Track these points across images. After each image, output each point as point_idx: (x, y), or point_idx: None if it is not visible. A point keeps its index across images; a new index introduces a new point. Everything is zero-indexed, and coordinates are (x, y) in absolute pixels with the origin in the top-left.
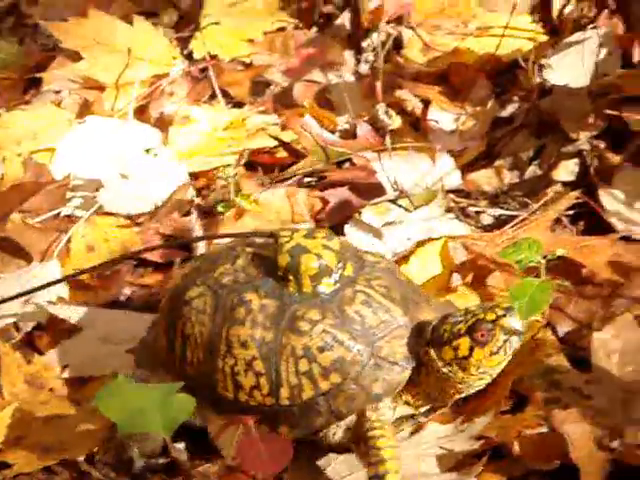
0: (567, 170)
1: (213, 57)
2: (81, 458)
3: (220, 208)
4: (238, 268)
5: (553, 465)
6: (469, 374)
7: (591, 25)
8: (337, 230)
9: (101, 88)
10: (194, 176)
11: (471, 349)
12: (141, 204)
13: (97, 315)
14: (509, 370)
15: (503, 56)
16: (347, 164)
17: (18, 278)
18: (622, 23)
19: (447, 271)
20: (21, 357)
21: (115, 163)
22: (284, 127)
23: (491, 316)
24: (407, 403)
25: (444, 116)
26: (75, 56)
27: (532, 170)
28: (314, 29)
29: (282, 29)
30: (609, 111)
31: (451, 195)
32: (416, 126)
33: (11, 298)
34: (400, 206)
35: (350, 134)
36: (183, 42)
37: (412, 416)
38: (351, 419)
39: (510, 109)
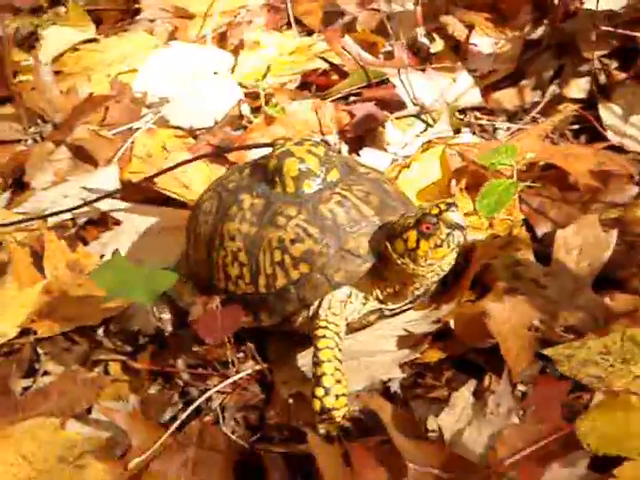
0: (579, 88)
1: None
2: (100, 331)
3: (248, 114)
4: (244, 176)
5: (487, 343)
6: (419, 265)
7: None
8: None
9: (190, 17)
10: (252, 95)
11: (418, 241)
12: (201, 119)
13: (136, 211)
14: (475, 262)
15: None
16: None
17: (81, 181)
18: None
19: (446, 177)
20: (66, 245)
21: (186, 83)
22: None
23: (435, 210)
24: (378, 299)
25: (484, 40)
26: None
27: (552, 89)
28: None
29: None
30: (621, 30)
31: (475, 112)
32: (457, 50)
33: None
34: (423, 121)
35: (392, 56)
36: None
37: (380, 310)
38: (314, 308)
39: (539, 32)
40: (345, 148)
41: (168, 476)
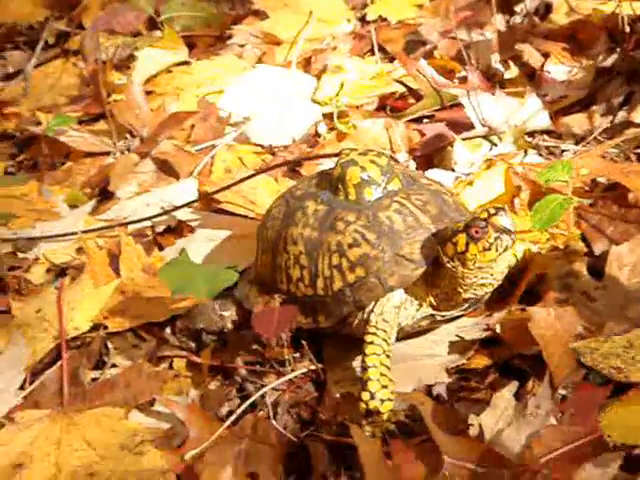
0: None
1: (383, 20)
2: (167, 329)
3: (324, 132)
4: (311, 184)
5: (532, 350)
6: (468, 269)
7: None
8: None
9: (278, 43)
10: (330, 116)
11: (467, 244)
12: (280, 137)
13: (210, 219)
14: (529, 272)
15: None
16: None
17: (162, 192)
18: None
19: (508, 194)
20: (142, 249)
21: (269, 103)
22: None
23: (484, 214)
24: (431, 305)
25: (558, 68)
26: (263, 16)
27: (622, 115)
28: None
29: None
30: None
31: (544, 135)
32: (531, 77)
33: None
34: (491, 142)
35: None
36: (361, 7)
37: (433, 316)
38: (367, 312)
39: (611, 60)
40: (413, 166)
41: (221, 466)
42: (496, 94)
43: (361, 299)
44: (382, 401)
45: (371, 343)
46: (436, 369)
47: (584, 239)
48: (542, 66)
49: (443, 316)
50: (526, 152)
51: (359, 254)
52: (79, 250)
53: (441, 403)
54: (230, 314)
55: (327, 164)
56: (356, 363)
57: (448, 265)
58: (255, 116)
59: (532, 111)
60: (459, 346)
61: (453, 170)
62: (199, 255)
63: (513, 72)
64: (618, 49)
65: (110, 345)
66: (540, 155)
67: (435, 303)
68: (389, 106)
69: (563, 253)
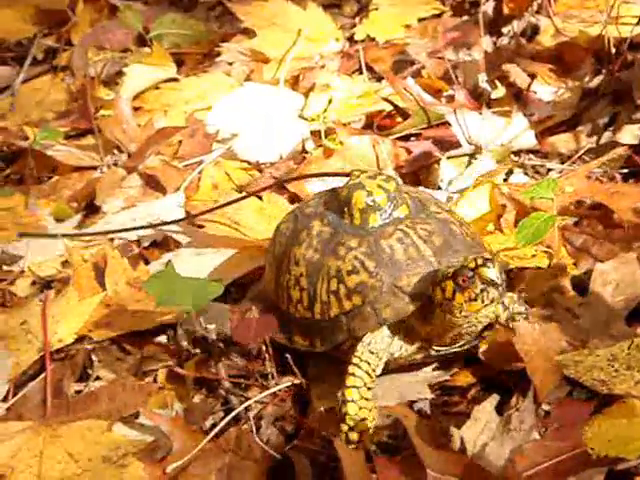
0: (632, 134)
1: (371, 39)
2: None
3: (311, 149)
4: (321, 202)
5: (515, 367)
6: (454, 316)
7: None
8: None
9: (266, 61)
10: (318, 133)
11: (454, 292)
12: (268, 154)
13: (196, 235)
14: (513, 289)
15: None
16: None
17: (149, 206)
18: None
19: (494, 213)
20: (128, 263)
21: (256, 120)
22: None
23: (472, 264)
24: (425, 340)
25: (545, 89)
26: (251, 34)
27: (607, 136)
28: (465, 17)
29: (437, 16)
30: None
31: (530, 155)
32: (518, 98)
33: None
34: (476, 161)
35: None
36: (350, 26)
37: (427, 350)
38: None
39: (597, 81)
40: (400, 182)
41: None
42: (483, 113)
43: (355, 328)
44: (361, 433)
45: (352, 375)
46: (419, 385)
47: (568, 257)
48: (529, 86)
49: (438, 351)
50: (512, 171)
51: (357, 282)
52: (64, 264)
53: (424, 418)
54: (212, 326)
55: (315, 184)
56: (340, 379)
57: (437, 309)
58: (242, 133)
59: (518, 130)
60: (443, 363)
61: (439, 188)
62: (185, 269)
63: (500, 92)
64: (604, 70)
65: (94, 358)
66: (526, 174)
67: (429, 338)
68: (376, 124)
69: (547, 270)
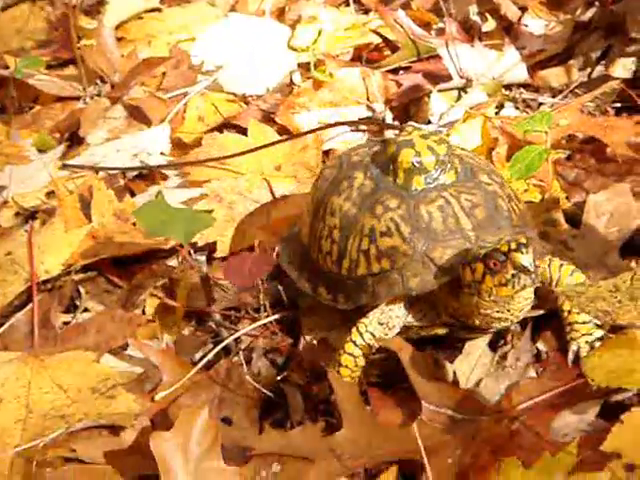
0: (625, 68)
1: None
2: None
3: (299, 82)
4: (370, 152)
5: None
6: (483, 299)
7: None
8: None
9: None
10: (305, 66)
11: (484, 275)
12: (254, 86)
13: (182, 167)
14: None
15: None
16: None
17: (134, 138)
18: None
19: (485, 146)
20: (114, 195)
21: (242, 52)
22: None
23: (504, 247)
24: (451, 315)
25: (536, 22)
26: None
27: (599, 69)
28: None
29: None
30: None
31: (521, 89)
32: (508, 31)
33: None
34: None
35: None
36: None
37: (451, 326)
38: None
39: (589, 14)
40: (390, 116)
41: (195, 410)
42: (474, 46)
43: (379, 292)
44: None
45: (353, 342)
46: None
47: (561, 191)
48: (519, 19)
49: (460, 329)
50: (503, 105)
51: (389, 245)
52: (49, 194)
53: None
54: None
55: (304, 115)
56: (331, 312)
57: (465, 289)
58: (228, 64)
59: (510, 64)
60: None
61: (429, 122)
62: (172, 202)
63: (490, 25)
64: (596, 3)
65: (82, 289)
66: (517, 108)
67: (455, 315)
68: (365, 57)
69: (541, 203)
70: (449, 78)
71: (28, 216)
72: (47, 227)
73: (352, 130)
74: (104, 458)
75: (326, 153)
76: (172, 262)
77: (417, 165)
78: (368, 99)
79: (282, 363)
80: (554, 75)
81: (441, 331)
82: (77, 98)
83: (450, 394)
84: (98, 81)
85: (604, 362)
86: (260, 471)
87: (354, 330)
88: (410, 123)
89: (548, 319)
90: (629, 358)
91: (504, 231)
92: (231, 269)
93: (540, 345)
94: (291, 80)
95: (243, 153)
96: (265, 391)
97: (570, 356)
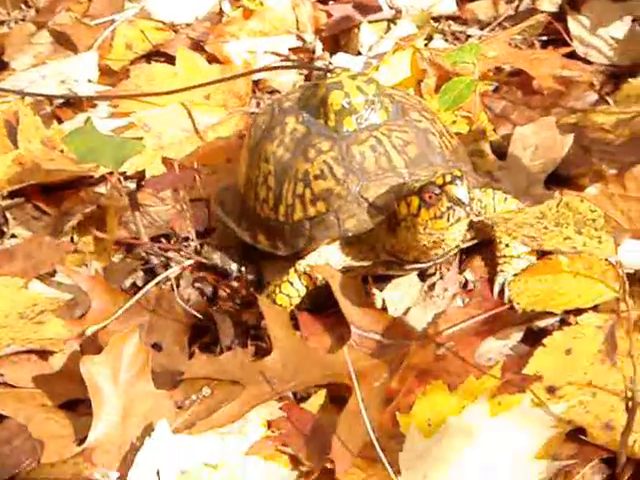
0: (551, 1)
1: None
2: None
3: (228, 10)
4: (301, 96)
5: None
6: (418, 232)
7: None
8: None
9: None
10: None
11: (419, 208)
12: (183, 15)
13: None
14: None
15: None
16: None
17: (61, 64)
18: None
19: (414, 78)
20: (40, 121)
21: None
22: None
23: (440, 180)
24: (390, 253)
25: None
26: None
27: (526, 3)
28: None
29: None
30: None
31: (449, 21)
32: None
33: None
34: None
35: None
36: None
37: (391, 263)
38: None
39: None
40: (320, 46)
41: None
42: None
43: (316, 235)
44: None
45: (290, 283)
46: None
47: (489, 123)
48: None
49: (400, 266)
50: (432, 37)
51: (323, 187)
52: None
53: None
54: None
55: (233, 44)
56: None
57: (401, 224)
58: None
59: None
60: None
61: (359, 53)
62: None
63: None
64: None
65: (9, 216)
66: (446, 40)
67: (393, 252)
68: None
69: (468, 134)
70: (379, 9)
71: None
72: None
73: (282, 60)
74: (33, 382)
75: (256, 83)
76: (101, 189)
77: (347, 106)
78: (298, 29)
79: (211, 292)
80: (482, 8)
81: (381, 270)
82: (1, 22)
83: (378, 320)
84: (22, 5)
85: (529, 287)
86: (190, 395)
87: (291, 271)
88: (340, 54)
89: (477, 248)
90: (553, 283)
91: (437, 167)
92: (152, 182)
93: (468, 274)
94: (221, 9)
95: (173, 92)
96: (196, 313)
97: (496, 288)
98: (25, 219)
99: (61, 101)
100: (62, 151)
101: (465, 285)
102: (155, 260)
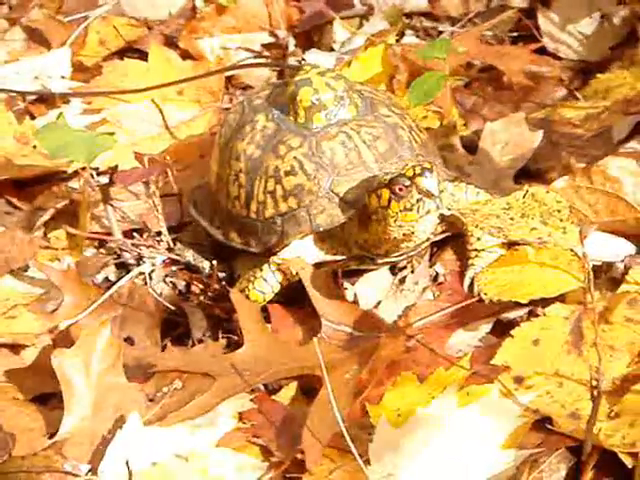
0: None
1: None
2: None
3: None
4: (271, 94)
5: None
6: (388, 225)
7: None
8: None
9: None
10: None
11: (389, 200)
12: (156, 11)
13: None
14: None
15: None
16: None
17: (34, 60)
18: None
19: (386, 74)
20: (13, 117)
21: None
22: None
23: (409, 172)
24: (361, 248)
25: None
26: None
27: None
28: None
29: None
30: None
31: (421, 18)
32: None
33: None
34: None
35: None
36: None
37: (363, 258)
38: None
39: None
40: (292, 43)
41: (97, 330)
42: None
43: (288, 231)
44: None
45: (264, 280)
46: None
47: (459, 118)
48: None
49: (373, 260)
50: (404, 33)
51: (294, 184)
52: None
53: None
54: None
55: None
56: None
57: (372, 217)
58: None
59: None
60: None
61: (332, 49)
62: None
63: None
64: None
65: None
66: (418, 37)
67: (366, 246)
68: None
69: (439, 129)
70: (351, 5)
71: None
72: None
73: (255, 57)
74: (4, 376)
75: (229, 78)
76: (74, 184)
77: (316, 103)
78: (271, 25)
79: (184, 286)
80: (453, 4)
81: (353, 265)
82: None
83: (349, 312)
84: None
85: (497, 277)
86: (161, 387)
87: (265, 267)
88: (313, 50)
89: (447, 241)
90: (520, 273)
91: (406, 161)
92: (122, 175)
93: (438, 267)
94: (194, 5)
95: (146, 89)
96: (168, 305)
97: (466, 281)
98: None
99: (34, 97)
100: (35, 147)
101: (435, 278)
102: (127, 255)
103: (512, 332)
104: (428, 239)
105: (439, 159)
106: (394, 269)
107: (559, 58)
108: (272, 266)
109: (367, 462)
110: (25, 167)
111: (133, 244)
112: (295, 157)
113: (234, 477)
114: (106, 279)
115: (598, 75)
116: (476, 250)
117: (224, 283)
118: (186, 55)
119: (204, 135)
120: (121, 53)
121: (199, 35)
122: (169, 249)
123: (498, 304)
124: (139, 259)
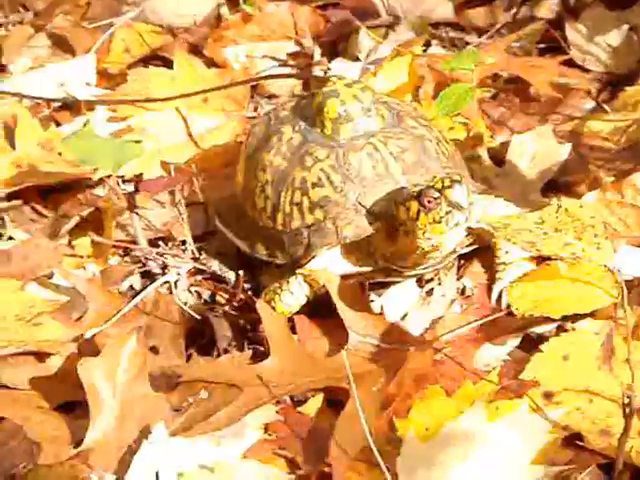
0: (549, 8)
1: None
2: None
3: (226, 15)
4: (298, 106)
5: None
6: (417, 237)
7: None
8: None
9: None
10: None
11: (418, 212)
12: (181, 19)
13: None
14: None
15: None
16: None
17: (59, 67)
18: None
19: (412, 84)
20: (38, 123)
21: None
22: None
23: (438, 185)
24: (387, 259)
25: None
26: None
27: (524, 10)
28: None
29: None
30: None
31: (447, 28)
32: None
33: None
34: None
35: None
36: None
37: (388, 269)
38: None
39: None
40: (318, 52)
41: (123, 339)
42: None
43: (315, 243)
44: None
45: (291, 293)
46: None
47: (486, 129)
48: None
49: (401, 273)
50: (430, 43)
51: (321, 195)
52: None
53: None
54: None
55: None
56: None
57: (400, 228)
58: None
59: (436, 2)
60: None
61: (357, 59)
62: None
63: None
64: None
65: (7, 218)
66: (444, 47)
67: (392, 259)
68: None
69: (466, 140)
70: (377, 15)
71: None
72: None
73: (280, 65)
74: (29, 384)
75: (254, 87)
76: (99, 192)
77: (343, 114)
78: (297, 34)
79: (209, 295)
80: (480, 15)
81: (379, 277)
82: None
83: (376, 324)
84: (20, 8)
85: (528, 292)
86: (187, 398)
87: (292, 279)
88: (338, 59)
89: (475, 254)
90: (552, 288)
91: (433, 173)
92: (147, 184)
93: (466, 280)
94: (219, 13)
95: (171, 98)
96: (194, 314)
97: (494, 295)
98: (23, 221)
99: (59, 104)
100: (60, 154)
101: (463, 291)
102: (152, 264)
103: (541, 347)
104: (455, 251)
105: (466, 171)
106: (421, 281)
107: (587, 70)
108: (299, 278)
109: (395, 476)
110: (50, 174)
111: (158, 253)
112: (322, 169)
113: None
114: (131, 287)
115: (626, 87)
116: (504, 263)
117: (250, 293)
118: (211, 63)
119: (229, 144)
120: (146, 60)
121: (224, 43)
122: (194, 258)
123: (527, 318)
124: (164, 268)
